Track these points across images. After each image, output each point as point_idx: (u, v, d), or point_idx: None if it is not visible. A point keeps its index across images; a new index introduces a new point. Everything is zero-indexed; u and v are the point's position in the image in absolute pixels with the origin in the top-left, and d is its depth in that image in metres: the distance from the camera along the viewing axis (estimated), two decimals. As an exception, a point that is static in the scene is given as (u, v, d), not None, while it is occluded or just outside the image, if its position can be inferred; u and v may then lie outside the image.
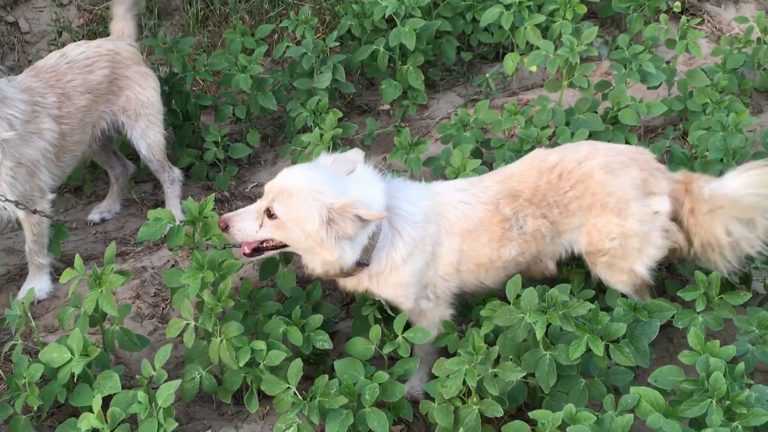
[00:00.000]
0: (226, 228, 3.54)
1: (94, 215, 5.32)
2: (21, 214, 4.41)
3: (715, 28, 6.95)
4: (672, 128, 5.51)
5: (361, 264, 3.60)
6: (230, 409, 3.90)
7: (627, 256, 3.79)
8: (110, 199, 5.37)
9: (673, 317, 3.68)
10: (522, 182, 3.77)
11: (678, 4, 6.37)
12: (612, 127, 5.09)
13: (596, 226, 3.75)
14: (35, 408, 3.63)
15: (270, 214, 3.47)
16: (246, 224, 3.52)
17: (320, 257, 3.52)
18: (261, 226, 3.51)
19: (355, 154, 3.69)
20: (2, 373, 4.00)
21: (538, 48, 5.43)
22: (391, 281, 3.67)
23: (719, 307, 3.69)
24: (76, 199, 5.57)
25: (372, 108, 6.23)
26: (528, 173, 3.79)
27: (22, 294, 4.63)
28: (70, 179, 5.28)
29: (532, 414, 3.17)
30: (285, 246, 3.60)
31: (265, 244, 3.61)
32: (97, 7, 6.79)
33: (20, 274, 4.89)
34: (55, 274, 4.70)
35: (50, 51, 6.34)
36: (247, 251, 3.62)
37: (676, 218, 3.86)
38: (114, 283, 3.70)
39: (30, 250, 4.63)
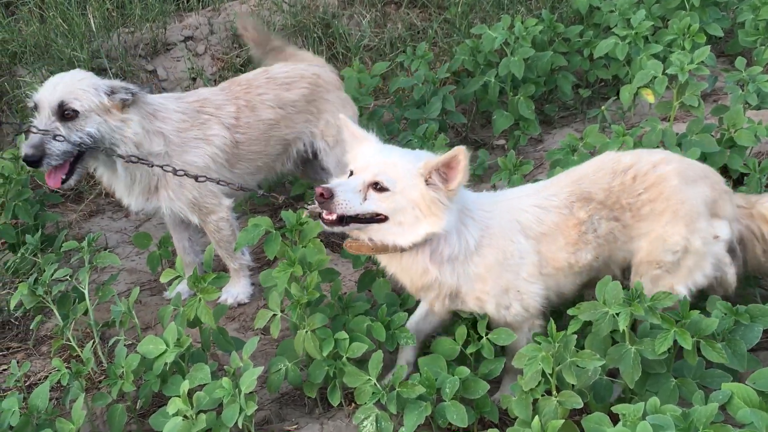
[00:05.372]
0: (330, 196, 3.35)
1: None
2: (195, 219, 4.67)
3: None
4: (795, 155, 5.26)
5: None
6: (319, 409, 3.92)
7: (677, 273, 3.62)
8: None
9: (778, 323, 3.45)
10: (594, 184, 3.65)
11: (820, 39, 6.12)
12: (729, 151, 4.92)
13: (662, 236, 3.59)
14: (131, 396, 3.79)
15: (379, 187, 3.39)
16: (350, 195, 3.39)
17: (423, 229, 3.41)
18: (365, 199, 3.41)
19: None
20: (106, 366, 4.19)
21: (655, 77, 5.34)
22: (470, 273, 3.56)
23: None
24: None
25: (486, 143, 6.26)
26: (600, 174, 3.67)
27: (224, 296, 4.85)
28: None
29: (614, 408, 3.02)
30: (377, 221, 3.44)
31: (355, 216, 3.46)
32: (228, 56, 7.21)
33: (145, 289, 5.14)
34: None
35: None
36: (333, 218, 3.43)
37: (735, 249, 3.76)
38: (210, 295, 3.83)
39: (221, 256, 4.86)
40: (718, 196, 3.65)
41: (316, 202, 3.40)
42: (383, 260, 3.67)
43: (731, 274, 3.70)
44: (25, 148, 4.20)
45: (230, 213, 4.75)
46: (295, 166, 5.18)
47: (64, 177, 4.33)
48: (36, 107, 4.29)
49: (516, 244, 3.57)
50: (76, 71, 4.45)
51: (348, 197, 3.38)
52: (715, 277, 3.68)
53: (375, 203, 3.40)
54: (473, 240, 3.53)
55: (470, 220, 3.54)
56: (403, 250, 3.49)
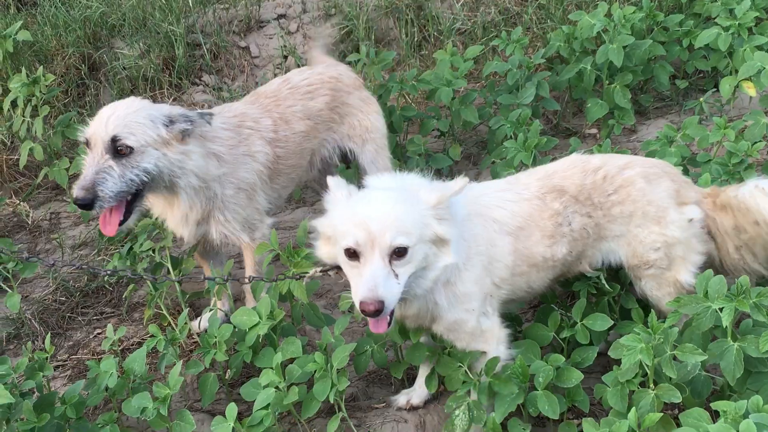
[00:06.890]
0: (381, 305, 2.93)
1: None
2: (246, 238, 4.40)
3: None
4: None
5: None
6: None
7: (672, 266, 3.69)
8: None
9: None
10: (566, 179, 3.65)
11: None
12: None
13: (638, 237, 3.66)
14: (222, 365, 3.86)
15: (399, 253, 3.01)
16: (389, 286, 2.99)
17: (442, 264, 3.18)
18: (397, 276, 3.03)
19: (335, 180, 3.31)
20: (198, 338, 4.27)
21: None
22: (458, 293, 3.35)
23: None
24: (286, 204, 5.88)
25: (578, 131, 6.16)
26: (571, 171, 3.68)
27: None
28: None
29: (713, 404, 2.95)
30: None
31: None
32: (320, 34, 7.23)
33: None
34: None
35: (276, 74, 6.86)
36: (387, 324, 3.10)
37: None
38: (304, 267, 3.84)
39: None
40: (679, 186, 3.73)
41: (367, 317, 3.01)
42: None
43: (713, 248, 3.79)
44: (76, 190, 3.79)
45: (270, 231, 4.39)
46: (319, 173, 4.98)
47: (121, 219, 3.94)
48: (87, 143, 3.89)
49: (495, 247, 3.46)
50: (131, 100, 4.04)
51: (389, 289, 2.99)
52: (707, 250, 3.77)
53: (405, 272, 3.06)
54: (461, 259, 3.33)
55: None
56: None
